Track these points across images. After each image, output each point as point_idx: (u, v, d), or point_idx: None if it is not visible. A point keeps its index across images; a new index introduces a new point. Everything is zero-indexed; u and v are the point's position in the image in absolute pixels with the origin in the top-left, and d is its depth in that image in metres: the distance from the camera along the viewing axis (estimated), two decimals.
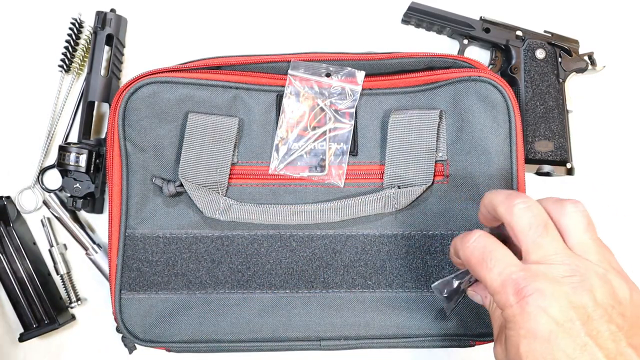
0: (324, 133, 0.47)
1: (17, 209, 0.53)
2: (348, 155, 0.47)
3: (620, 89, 0.57)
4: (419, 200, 0.47)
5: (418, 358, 0.53)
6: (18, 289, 0.50)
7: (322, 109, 0.47)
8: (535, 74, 0.53)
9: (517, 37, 0.53)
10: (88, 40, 0.54)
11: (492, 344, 0.50)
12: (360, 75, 0.47)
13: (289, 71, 0.46)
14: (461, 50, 0.55)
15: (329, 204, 0.46)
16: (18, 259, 0.51)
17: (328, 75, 0.47)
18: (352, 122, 0.47)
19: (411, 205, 0.47)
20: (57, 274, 0.53)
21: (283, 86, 0.47)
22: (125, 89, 0.46)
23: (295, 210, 0.46)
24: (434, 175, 0.47)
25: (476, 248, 0.34)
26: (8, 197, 0.53)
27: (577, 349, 0.29)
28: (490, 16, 0.55)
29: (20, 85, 0.55)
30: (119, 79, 0.54)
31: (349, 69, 0.47)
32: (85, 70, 0.53)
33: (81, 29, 0.54)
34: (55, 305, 0.51)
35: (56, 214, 0.52)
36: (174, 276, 0.47)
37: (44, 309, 0.50)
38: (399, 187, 0.46)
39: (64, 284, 0.53)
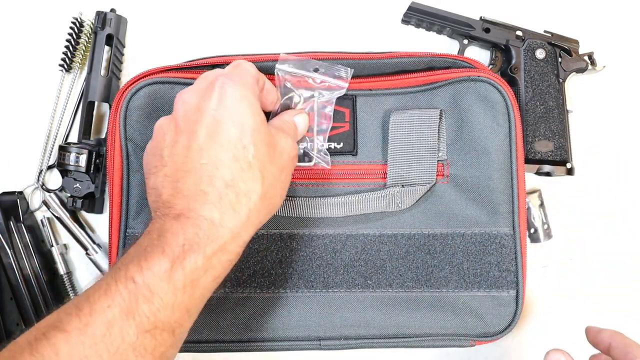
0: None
1: (28, 205, 0.53)
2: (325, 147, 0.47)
3: (620, 89, 0.57)
4: (420, 200, 0.47)
5: (418, 358, 0.53)
6: (23, 286, 0.50)
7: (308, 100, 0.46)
8: (535, 74, 0.53)
9: (517, 37, 0.53)
10: (88, 40, 0.54)
11: (491, 344, 0.50)
12: (348, 72, 0.46)
13: (277, 66, 0.45)
14: (461, 50, 0.55)
15: (332, 198, 0.46)
16: (26, 257, 0.51)
17: (316, 70, 0.46)
18: (331, 113, 0.46)
19: (412, 204, 0.47)
20: (58, 274, 0.53)
21: None
22: (126, 89, 0.46)
23: (299, 203, 0.46)
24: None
25: None
26: (21, 193, 0.53)
27: None
28: (490, 16, 0.54)
29: (21, 85, 0.55)
30: (119, 79, 0.54)
31: (338, 67, 0.46)
32: (86, 70, 0.53)
33: (82, 29, 0.54)
34: (60, 305, 0.51)
35: (56, 214, 0.52)
36: None
37: (47, 308, 0.50)
38: (402, 187, 0.46)
39: (64, 284, 0.53)
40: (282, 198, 0.40)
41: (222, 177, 0.34)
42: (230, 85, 0.36)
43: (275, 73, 0.46)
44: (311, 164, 0.46)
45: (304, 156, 0.47)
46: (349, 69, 0.46)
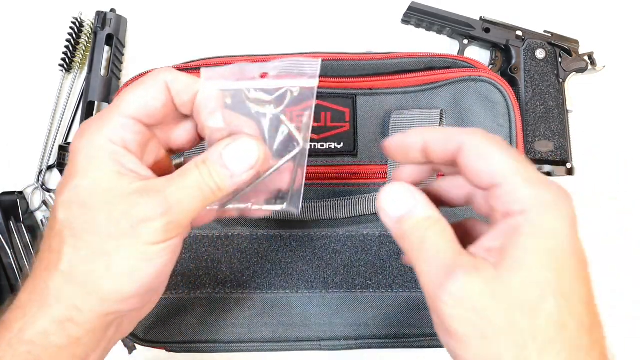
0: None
1: (28, 205, 0.53)
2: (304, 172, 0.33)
3: (620, 89, 0.57)
4: None
5: (418, 358, 0.53)
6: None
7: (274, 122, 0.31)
8: (535, 74, 0.53)
9: (517, 37, 0.53)
10: (88, 40, 0.54)
11: None
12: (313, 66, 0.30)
13: (203, 83, 0.29)
14: (461, 50, 0.55)
15: (331, 201, 0.46)
16: (26, 257, 0.51)
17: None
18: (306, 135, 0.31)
19: None
20: None
21: None
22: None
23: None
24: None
25: None
26: (21, 193, 0.53)
27: None
28: (490, 16, 0.55)
29: (21, 85, 0.55)
30: (119, 79, 0.54)
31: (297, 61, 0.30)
32: (86, 70, 0.53)
33: (82, 29, 0.54)
34: None
35: None
36: (174, 276, 0.47)
37: None
38: None
39: None
40: (121, 276, 0.27)
41: (41, 245, 0.29)
42: (79, 134, 0.29)
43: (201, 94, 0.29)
44: (281, 207, 0.33)
45: (276, 199, 0.33)
46: (313, 61, 0.30)
